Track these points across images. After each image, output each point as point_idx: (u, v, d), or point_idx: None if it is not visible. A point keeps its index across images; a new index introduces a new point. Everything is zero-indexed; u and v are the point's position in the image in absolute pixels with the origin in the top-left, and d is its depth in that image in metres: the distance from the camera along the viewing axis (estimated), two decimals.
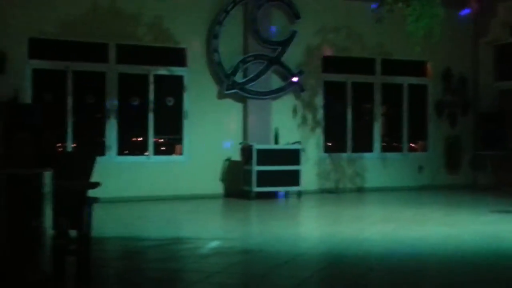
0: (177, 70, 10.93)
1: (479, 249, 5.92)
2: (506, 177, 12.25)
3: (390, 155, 12.29)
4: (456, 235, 6.75)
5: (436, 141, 12.63)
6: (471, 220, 7.93)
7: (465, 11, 11.43)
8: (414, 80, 12.62)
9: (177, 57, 10.97)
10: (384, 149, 12.35)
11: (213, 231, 7.45)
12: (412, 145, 12.72)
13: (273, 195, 10.73)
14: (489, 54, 12.78)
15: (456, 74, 12.71)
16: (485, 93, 12.72)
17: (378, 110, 12.29)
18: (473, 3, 11.06)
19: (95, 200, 6.02)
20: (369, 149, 12.18)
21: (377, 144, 12.22)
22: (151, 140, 10.67)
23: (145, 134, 10.68)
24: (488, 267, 5.22)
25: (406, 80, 12.49)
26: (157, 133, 10.78)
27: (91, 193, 4.88)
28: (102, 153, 10.23)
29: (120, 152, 10.52)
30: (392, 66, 12.40)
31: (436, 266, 5.38)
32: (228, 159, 11.00)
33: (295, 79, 11.35)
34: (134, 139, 11.06)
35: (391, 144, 12.63)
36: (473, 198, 10.90)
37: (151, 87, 10.68)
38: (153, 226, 8.01)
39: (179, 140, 10.94)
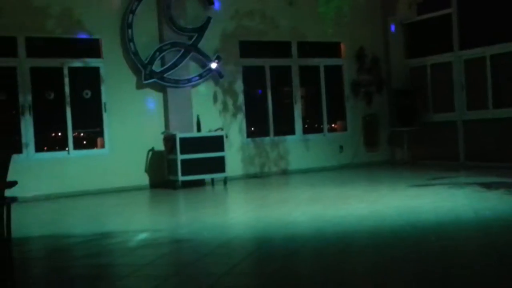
0: (92, 62, 10.68)
1: (400, 224, 6.14)
2: (421, 151, 12.80)
3: (312, 136, 12.54)
4: (378, 211, 6.98)
5: (354, 120, 12.99)
6: (391, 195, 8.22)
7: None
8: (329, 61, 12.89)
9: (92, 48, 10.72)
10: (306, 131, 12.59)
11: (140, 223, 7.39)
12: (333, 125, 13.03)
13: (199, 183, 10.74)
14: (399, 32, 13.23)
15: (369, 54, 13.08)
16: (397, 71, 13.18)
17: (297, 92, 12.49)
18: None
19: (14, 199, 5.86)
20: (291, 131, 12.37)
21: (298, 126, 12.44)
22: (70, 134, 10.40)
23: (63, 129, 10.40)
24: (410, 240, 5.43)
25: (322, 62, 12.75)
26: (76, 127, 10.52)
27: (9, 192, 4.72)
28: (18, 151, 9.90)
29: (39, 149, 10.20)
30: (308, 49, 12.61)
31: (361, 242, 5.54)
32: (151, 150, 10.90)
33: (213, 65, 11.34)
34: (53, 134, 10.75)
35: (312, 125, 12.88)
36: (392, 174, 11.30)
37: (66, 80, 10.39)
38: (78, 222, 7.84)
39: (100, 133, 10.73)
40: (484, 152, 11.54)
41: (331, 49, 12.97)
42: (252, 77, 12.13)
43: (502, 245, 5.04)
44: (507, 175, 9.46)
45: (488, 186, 8.44)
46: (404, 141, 12.96)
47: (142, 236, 6.38)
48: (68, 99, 10.38)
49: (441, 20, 12.36)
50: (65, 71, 10.40)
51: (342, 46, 12.97)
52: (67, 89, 10.39)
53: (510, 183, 8.66)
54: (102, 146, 10.71)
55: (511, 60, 11.13)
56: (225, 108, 11.62)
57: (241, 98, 11.79)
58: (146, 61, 10.82)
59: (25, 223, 7.77)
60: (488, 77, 11.51)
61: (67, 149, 10.38)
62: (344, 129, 13.00)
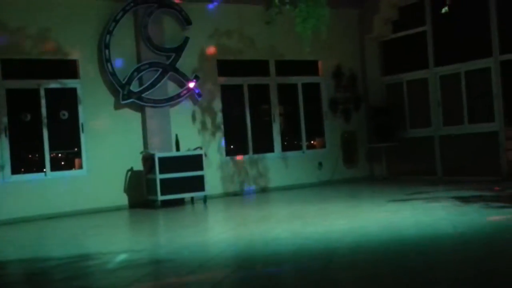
0: (69, 83, 10.62)
1: (381, 239, 6.17)
2: (399, 166, 12.90)
3: (291, 153, 12.58)
4: (359, 226, 6.99)
5: (333, 137, 13.06)
6: (371, 211, 8.26)
7: None
8: (307, 79, 12.97)
9: (69, 69, 10.67)
10: (285, 148, 12.61)
11: (120, 244, 7.30)
12: (312, 142, 13.08)
13: (179, 202, 10.67)
14: (375, 50, 13.39)
15: (346, 71, 13.20)
16: (374, 88, 13.32)
17: (276, 110, 12.54)
18: None
19: None
20: (270, 149, 12.39)
21: (277, 144, 12.46)
22: (48, 156, 10.29)
23: (40, 151, 10.28)
24: (391, 255, 5.45)
25: (299, 80, 12.83)
26: (53, 148, 10.41)
27: None
28: None
29: (16, 171, 10.06)
30: (286, 67, 12.69)
31: (343, 258, 5.54)
32: (130, 170, 10.83)
33: (191, 84, 11.36)
34: (30, 156, 10.63)
35: (291, 143, 12.91)
36: (371, 190, 11.36)
37: (43, 102, 10.30)
38: (57, 244, 7.72)
39: (78, 154, 10.63)
40: (460, 167, 11.67)
41: (308, 67, 13.05)
42: (230, 96, 12.16)
43: (481, 259, 5.08)
44: (483, 189, 9.56)
45: (465, 200, 8.53)
46: (382, 157, 13.05)
47: (122, 257, 6.31)
48: (45, 120, 10.28)
49: (416, 38, 12.55)
50: (42, 93, 10.31)
51: (320, 64, 13.07)
52: (44, 111, 10.30)
53: (487, 196, 8.76)
54: (80, 167, 10.61)
55: (485, 76, 11.31)
56: (203, 127, 11.61)
57: (219, 117, 11.80)
58: (124, 81, 10.79)
59: (2, 246, 7.65)
60: (463, 93, 11.68)
61: (44, 170, 10.27)
62: (323, 146, 13.05)
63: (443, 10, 8.82)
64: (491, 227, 6.50)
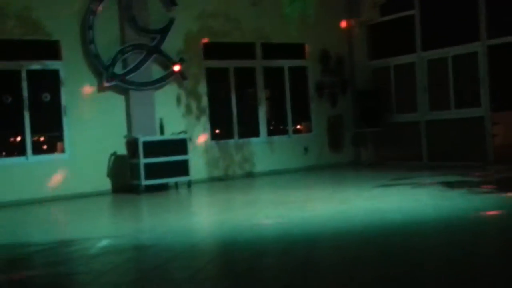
0: (51, 64, 10.43)
1: (365, 224, 6.15)
2: (385, 152, 12.88)
3: (276, 138, 12.49)
4: (343, 211, 6.97)
5: (319, 121, 12.99)
6: (356, 196, 8.23)
7: None
8: (294, 62, 12.87)
9: (51, 50, 10.47)
10: (271, 132, 12.53)
11: (102, 229, 7.22)
12: (298, 127, 13.01)
13: (163, 187, 10.58)
14: (362, 34, 13.30)
15: (333, 55, 13.11)
16: (361, 72, 13.25)
17: (262, 94, 12.43)
18: None
19: None
20: (256, 133, 12.30)
21: (263, 128, 12.37)
22: (29, 139, 10.12)
23: (22, 134, 10.12)
24: (374, 240, 5.43)
25: (286, 63, 12.72)
26: (35, 131, 10.24)
27: None
28: None
29: None
30: (272, 50, 12.57)
31: (327, 243, 5.52)
32: (113, 154, 10.70)
33: (176, 67, 11.21)
34: (11, 139, 10.46)
35: (277, 127, 12.83)
36: (356, 175, 11.34)
37: (24, 84, 10.11)
38: (37, 230, 7.62)
39: (60, 138, 10.48)
40: (446, 152, 11.67)
41: (295, 50, 12.94)
42: (216, 79, 12.03)
43: (464, 243, 5.07)
44: (468, 174, 9.57)
45: (450, 185, 8.53)
46: (368, 142, 13.01)
47: (104, 242, 6.22)
48: (26, 103, 10.10)
49: (404, 22, 12.46)
50: (23, 74, 10.12)
51: (307, 47, 12.96)
52: (25, 93, 10.11)
53: (472, 182, 8.76)
54: (62, 150, 10.46)
55: (472, 61, 11.27)
56: (188, 110, 11.48)
57: (205, 100, 11.67)
58: (108, 63, 10.62)
59: None
60: (450, 78, 11.64)
61: (25, 154, 10.10)
62: (309, 130, 12.99)
63: None
64: (475, 211, 6.48)
